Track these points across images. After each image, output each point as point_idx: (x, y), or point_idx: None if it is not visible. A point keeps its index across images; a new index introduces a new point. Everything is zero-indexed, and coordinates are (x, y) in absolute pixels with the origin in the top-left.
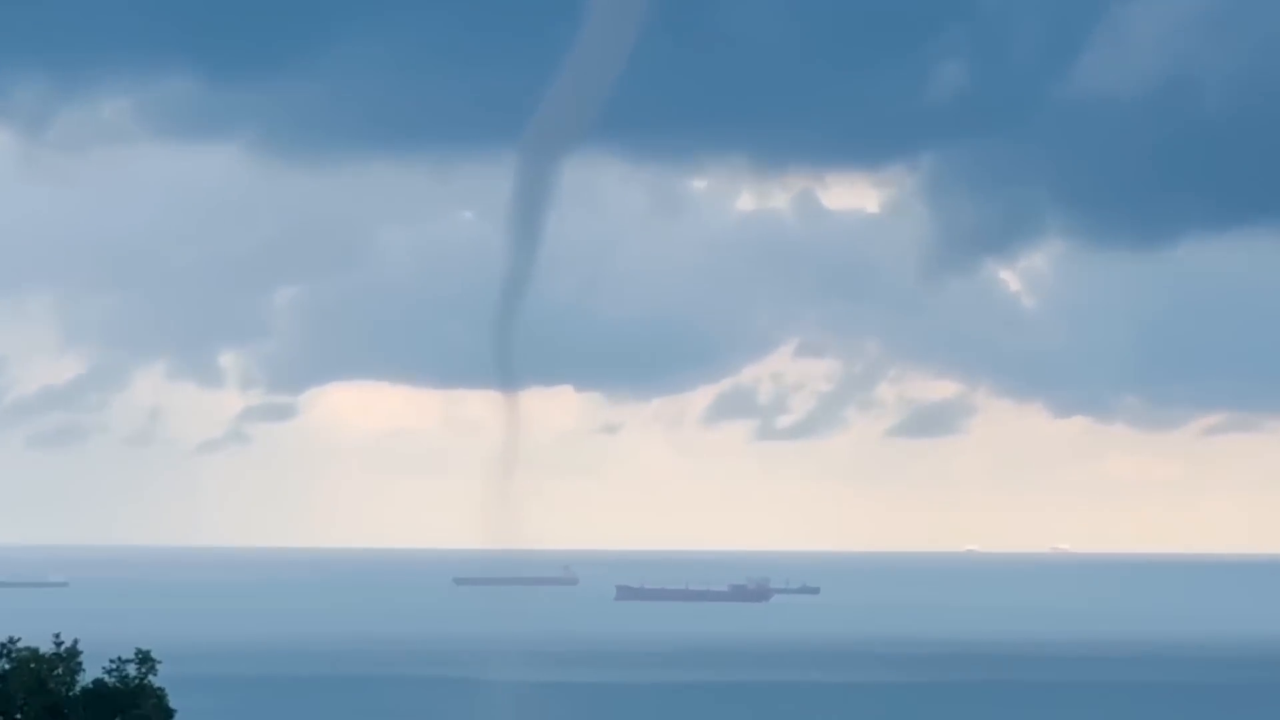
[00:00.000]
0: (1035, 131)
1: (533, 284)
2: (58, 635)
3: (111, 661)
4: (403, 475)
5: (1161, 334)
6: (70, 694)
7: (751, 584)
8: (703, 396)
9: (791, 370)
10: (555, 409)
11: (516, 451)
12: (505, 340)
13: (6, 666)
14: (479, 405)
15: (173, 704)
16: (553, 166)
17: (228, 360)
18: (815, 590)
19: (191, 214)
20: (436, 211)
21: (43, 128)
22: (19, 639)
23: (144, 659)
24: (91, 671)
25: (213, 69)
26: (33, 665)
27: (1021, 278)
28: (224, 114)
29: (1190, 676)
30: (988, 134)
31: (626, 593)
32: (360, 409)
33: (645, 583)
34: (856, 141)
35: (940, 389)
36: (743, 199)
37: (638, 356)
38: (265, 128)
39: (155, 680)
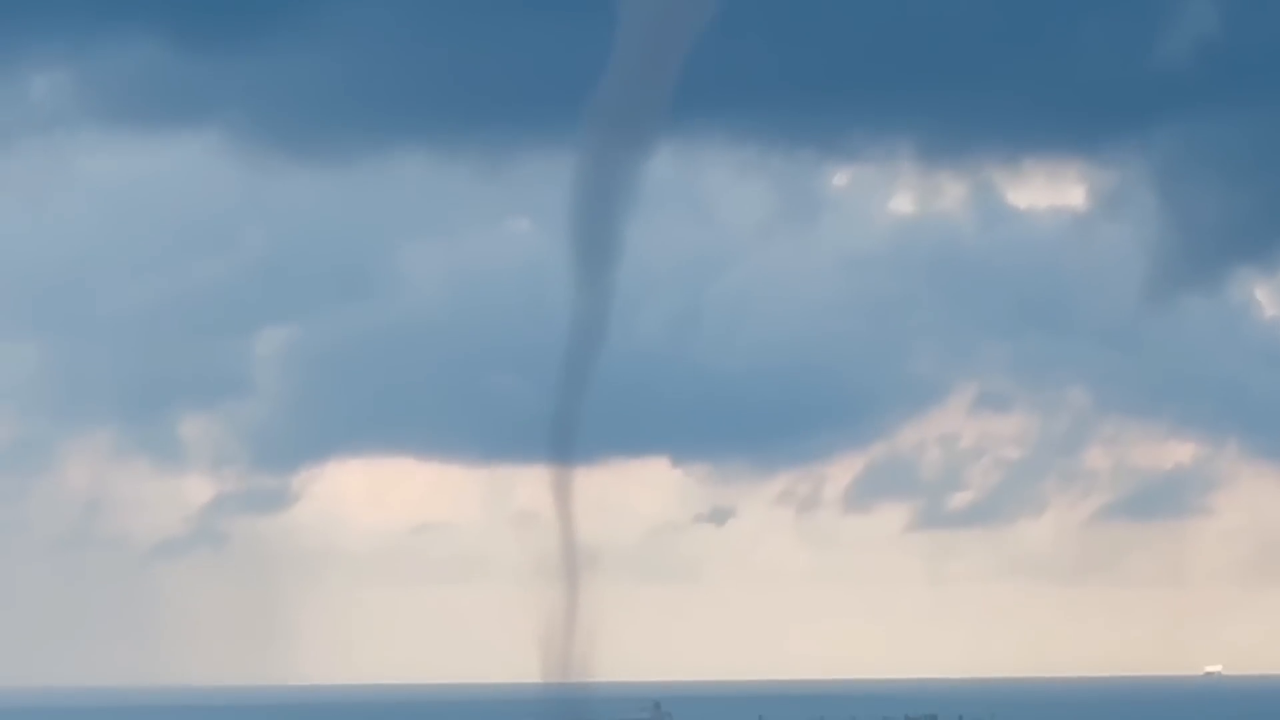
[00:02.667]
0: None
1: (606, 321)
2: None
3: None
4: (430, 586)
5: None
6: None
7: None
8: (845, 469)
9: (967, 431)
10: (644, 490)
11: (574, 549)
12: (568, 401)
13: None
14: (536, 489)
15: None
16: (624, 159)
17: (193, 430)
18: None
19: (148, 228)
20: (480, 221)
21: None
22: None
23: None
24: None
25: (180, 35)
26: None
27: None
28: (195, 94)
29: None
30: (1238, 104)
31: None
32: (373, 496)
33: None
34: (1056, 116)
35: (1172, 453)
36: (899, 198)
37: (756, 416)
38: (250, 112)
39: None
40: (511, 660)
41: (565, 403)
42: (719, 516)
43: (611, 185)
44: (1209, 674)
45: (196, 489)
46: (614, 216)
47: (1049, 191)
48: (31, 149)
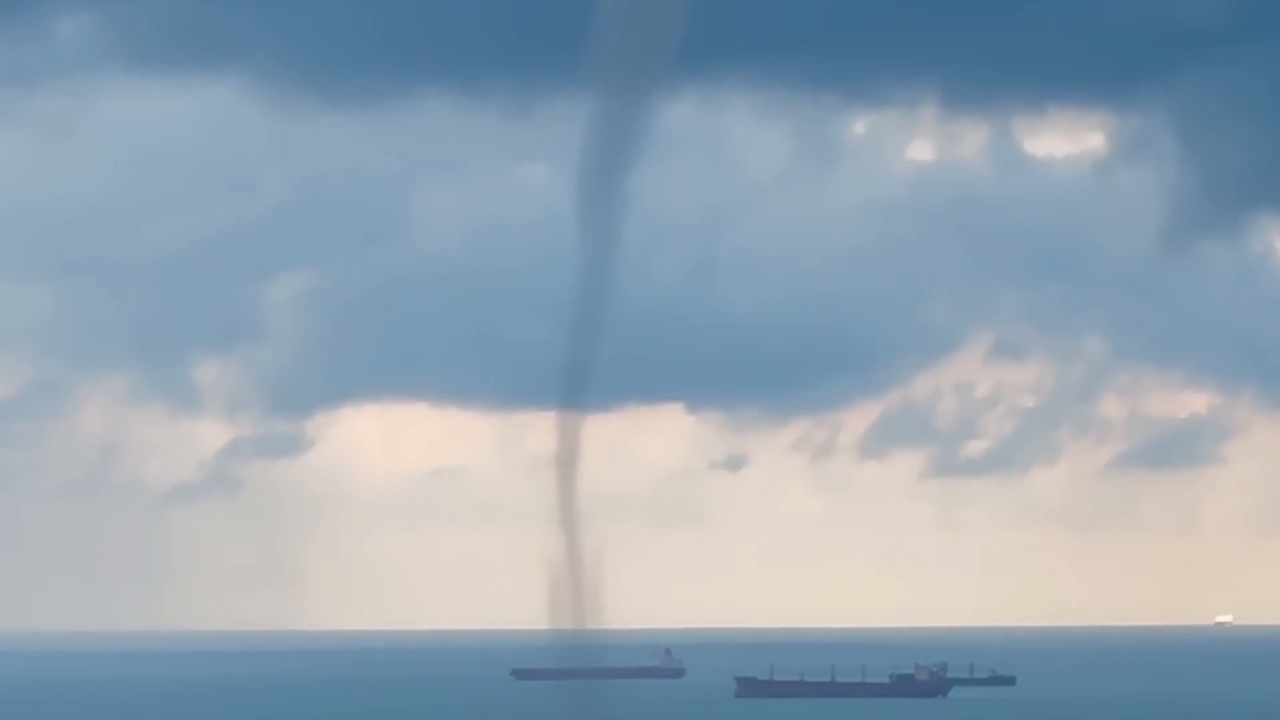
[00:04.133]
0: None
1: (612, 266)
2: None
3: None
4: (444, 531)
5: None
6: None
7: (922, 673)
8: (859, 417)
9: (983, 379)
10: (659, 437)
11: (575, 493)
12: (577, 345)
13: None
14: (551, 435)
15: None
16: (629, 104)
17: (208, 375)
18: (1009, 680)
19: (169, 172)
20: (501, 167)
21: None
22: None
23: None
24: None
25: None
26: None
27: None
28: (220, 38)
29: None
30: (1261, 51)
31: (751, 686)
32: (388, 441)
33: (776, 673)
34: (1080, 64)
35: (1187, 402)
36: (916, 146)
37: (772, 363)
38: (274, 55)
39: None
40: (523, 607)
41: (575, 349)
42: (733, 463)
43: (617, 130)
44: (1219, 623)
45: (211, 434)
46: (621, 162)
47: (1068, 140)
48: (57, 91)
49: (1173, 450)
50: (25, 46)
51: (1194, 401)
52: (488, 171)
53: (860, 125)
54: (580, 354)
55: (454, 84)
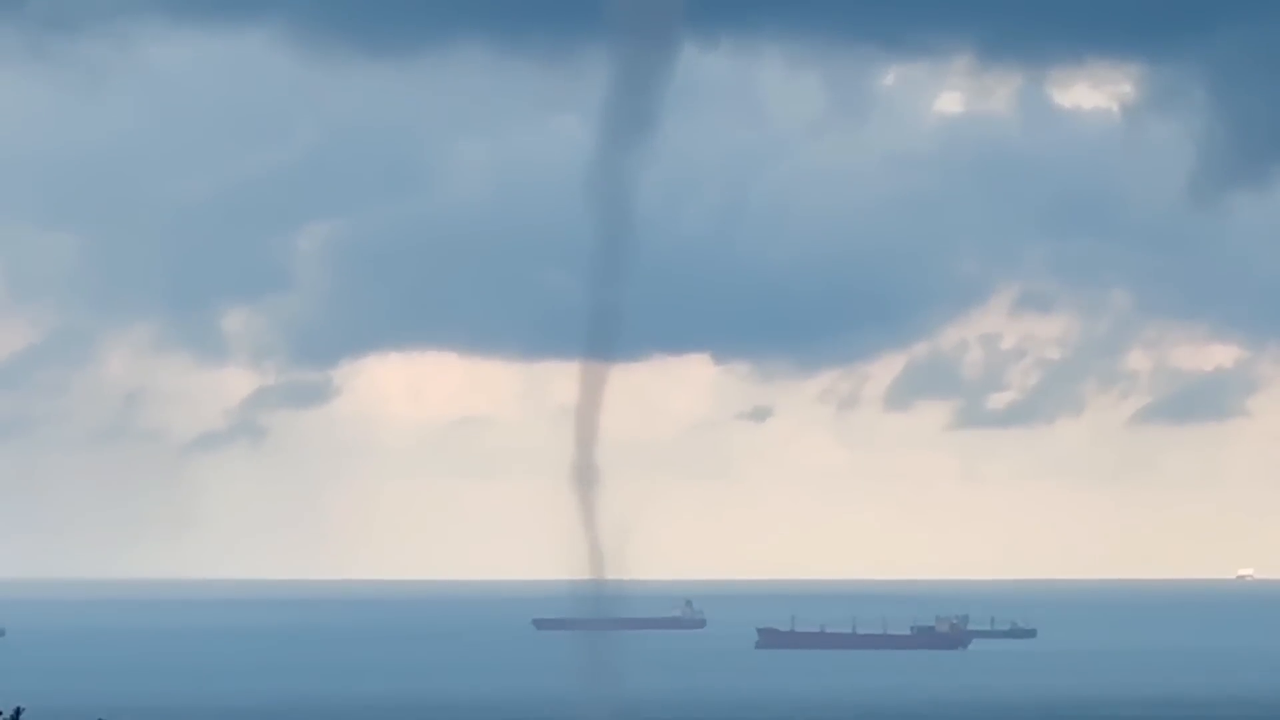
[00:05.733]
0: None
1: (633, 217)
2: None
3: None
4: (468, 481)
5: None
6: None
7: (943, 625)
8: (886, 369)
9: (1009, 331)
10: (685, 387)
11: (597, 443)
12: (599, 294)
13: None
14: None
15: None
16: (651, 50)
17: (235, 323)
18: (1030, 633)
19: (203, 120)
20: (533, 117)
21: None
22: None
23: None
24: None
25: None
26: None
27: None
28: None
29: None
30: None
31: (772, 638)
32: (413, 390)
33: (796, 624)
34: (1116, 16)
35: (1213, 355)
36: (945, 98)
37: (799, 314)
38: (311, 3)
39: None
40: (545, 557)
41: (598, 298)
42: (759, 415)
43: (638, 78)
44: (1241, 577)
45: (237, 382)
46: (641, 109)
47: (1098, 92)
48: (95, 37)
49: (1198, 404)
50: None
51: (1220, 355)
52: (520, 122)
53: (891, 77)
54: (603, 303)
55: (492, 34)
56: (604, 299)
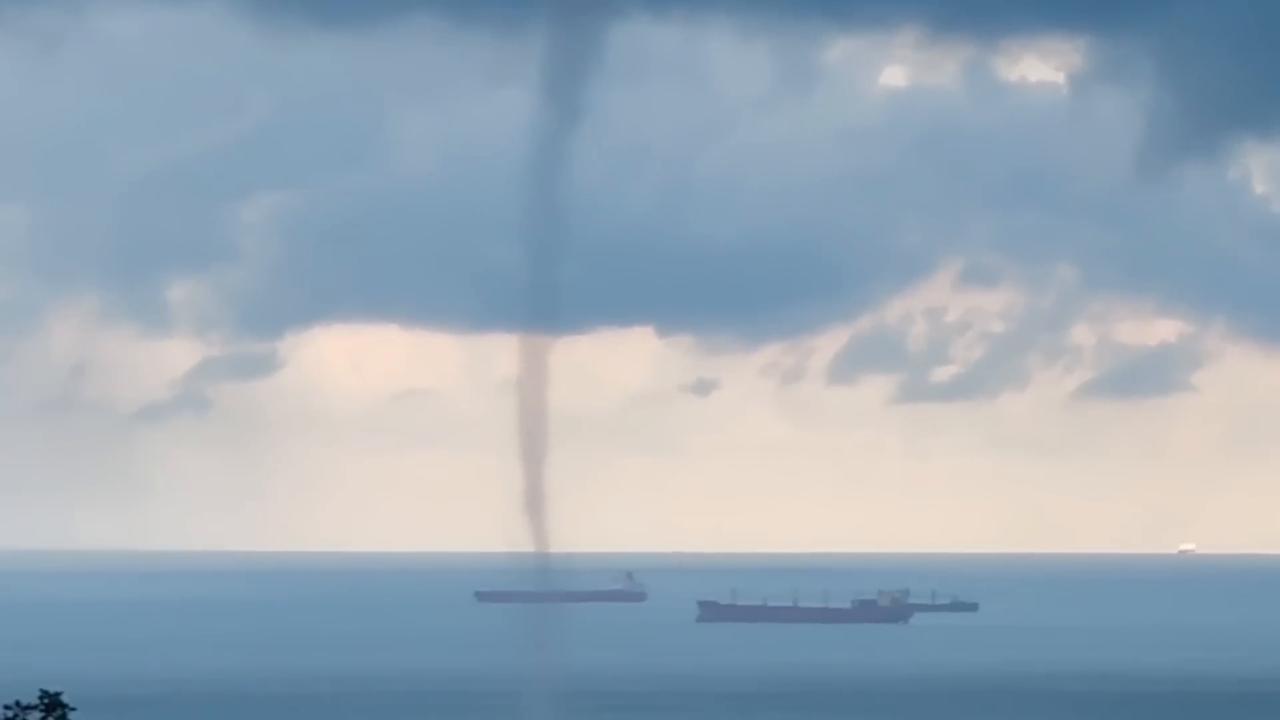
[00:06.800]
0: None
1: (567, 188)
2: None
3: (7, 708)
4: (411, 453)
5: None
6: None
7: (884, 599)
8: (830, 342)
9: (953, 305)
10: (629, 359)
11: (544, 418)
12: (537, 260)
13: None
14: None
15: None
16: (590, 24)
17: (180, 294)
18: (971, 607)
19: (153, 90)
20: (481, 91)
21: None
22: None
23: (51, 704)
24: None
25: None
26: None
27: (1275, 174)
28: None
29: None
30: None
31: (711, 611)
32: (357, 362)
33: (737, 598)
34: None
35: (1159, 330)
36: (891, 71)
37: (744, 287)
38: None
39: None
40: (488, 530)
41: (537, 271)
42: (702, 388)
43: (573, 50)
44: (1183, 552)
45: (182, 354)
46: (577, 82)
47: (1045, 64)
48: (48, 6)
49: (1142, 379)
50: None
51: (1165, 329)
52: (469, 95)
53: (838, 50)
54: (541, 276)
55: (446, 6)
56: (542, 272)
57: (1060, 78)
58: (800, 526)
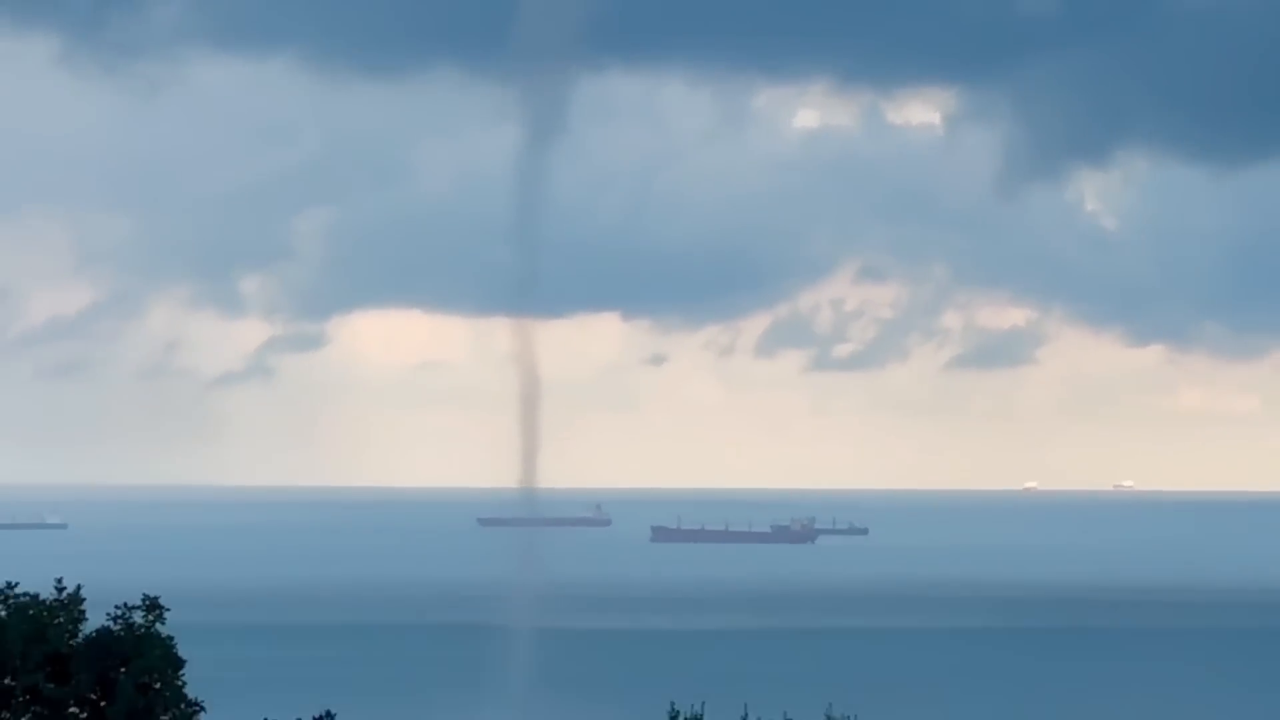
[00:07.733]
0: (1137, 40)
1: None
2: (59, 580)
3: (116, 608)
4: (429, 410)
5: (1250, 257)
6: (72, 643)
7: (796, 524)
8: (756, 324)
9: (851, 296)
10: (599, 338)
11: (537, 382)
12: (523, 259)
13: (4, 614)
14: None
15: (182, 653)
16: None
17: (251, 286)
18: (864, 531)
19: (224, 130)
20: (487, 126)
21: (92, 30)
22: (17, 584)
23: (151, 605)
24: (95, 619)
25: None
26: (32, 612)
27: (1103, 195)
28: (278, 21)
29: (1255, 621)
30: (1079, 44)
31: (662, 534)
32: (388, 340)
33: (682, 523)
34: (932, 52)
35: (1011, 316)
36: (803, 115)
37: (689, 281)
38: (324, 34)
39: (163, 628)
40: (489, 470)
41: (522, 267)
42: (657, 360)
43: (558, 95)
44: (1027, 489)
45: (251, 332)
46: (560, 120)
47: (926, 109)
48: (151, 61)
49: (998, 353)
50: (130, 23)
51: (1015, 315)
52: (476, 130)
53: (764, 97)
54: (525, 272)
55: (461, 60)
56: (531, 268)
57: (937, 118)
58: (731, 468)
